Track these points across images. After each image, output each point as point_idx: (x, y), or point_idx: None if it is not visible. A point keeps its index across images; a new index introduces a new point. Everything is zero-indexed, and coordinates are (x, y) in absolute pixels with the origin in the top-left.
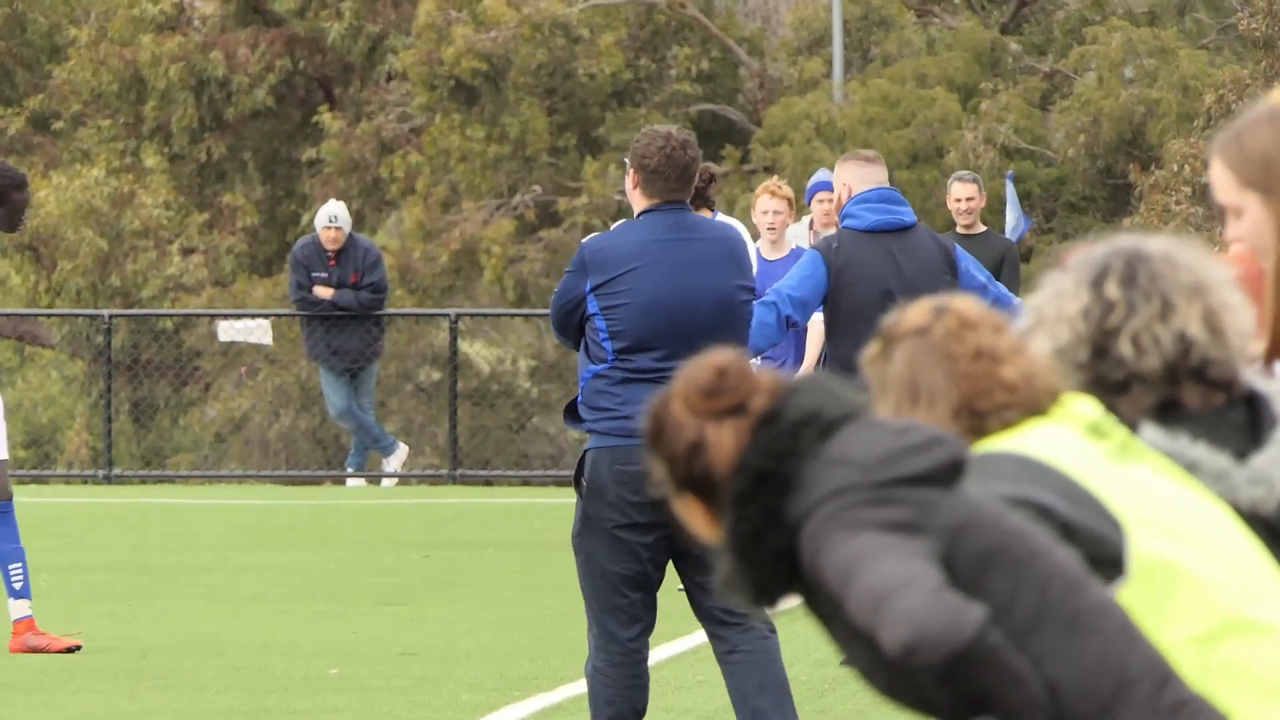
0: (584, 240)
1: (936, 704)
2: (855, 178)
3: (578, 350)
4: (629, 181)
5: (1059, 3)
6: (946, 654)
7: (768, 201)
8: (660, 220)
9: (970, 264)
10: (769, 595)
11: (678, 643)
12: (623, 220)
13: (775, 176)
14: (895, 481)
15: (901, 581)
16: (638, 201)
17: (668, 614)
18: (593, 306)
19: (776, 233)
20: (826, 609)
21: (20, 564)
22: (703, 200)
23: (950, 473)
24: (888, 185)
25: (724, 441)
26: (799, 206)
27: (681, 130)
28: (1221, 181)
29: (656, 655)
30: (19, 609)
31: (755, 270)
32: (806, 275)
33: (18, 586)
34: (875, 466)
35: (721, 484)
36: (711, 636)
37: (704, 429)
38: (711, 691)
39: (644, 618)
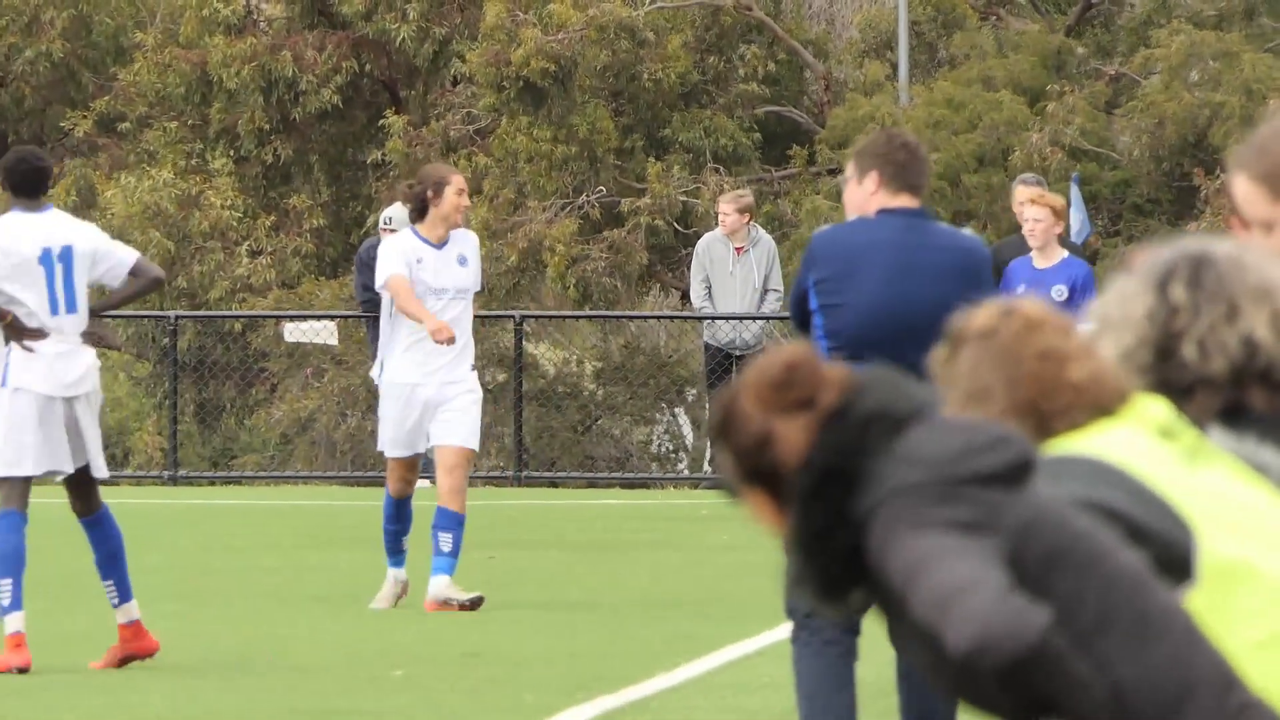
0: (814, 232)
1: (999, 705)
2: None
3: None
4: (864, 182)
5: (1124, 5)
6: (1011, 658)
7: (1031, 210)
8: (896, 222)
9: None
10: (835, 592)
11: (743, 644)
12: (858, 217)
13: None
14: (963, 480)
15: (967, 583)
16: (874, 202)
17: (733, 616)
18: (813, 302)
19: (1040, 239)
20: (892, 608)
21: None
22: None
23: (1018, 472)
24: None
25: (792, 436)
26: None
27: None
28: (1250, 196)
29: (722, 657)
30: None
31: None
32: None
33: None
34: (943, 465)
35: (789, 478)
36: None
37: (772, 422)
38: (776, 694)
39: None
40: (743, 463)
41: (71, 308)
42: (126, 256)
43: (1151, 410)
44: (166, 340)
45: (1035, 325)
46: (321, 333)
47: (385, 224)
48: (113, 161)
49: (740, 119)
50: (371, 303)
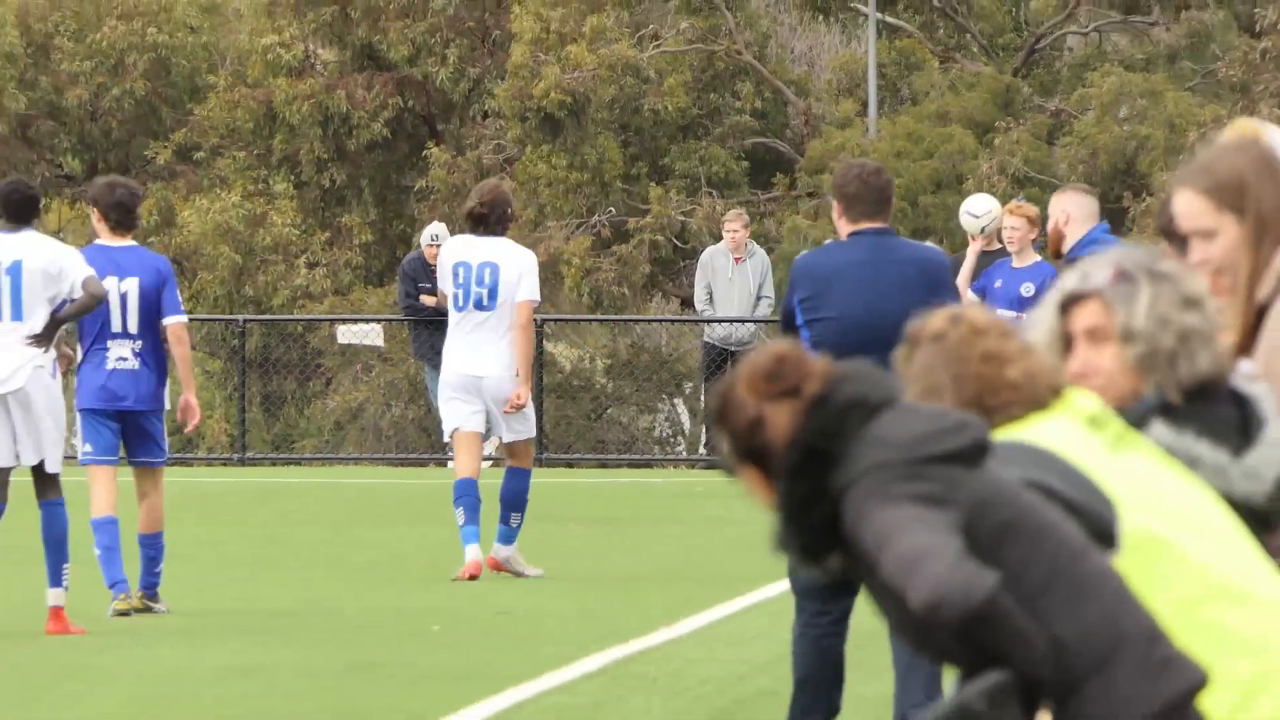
0: (796, 257)
1: (956, 656)
2: (1074, 205)
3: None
4: (834, 211)
5: (1063, 50)
6: (962, 614)
7: (1009, 219)
8: (863, 244)
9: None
10: (814, 555)
11: (733, 603)
12: (831, 240)
13: (1016, 199)
14: (927, 460)
15: (927, 549)
16: (843, 227)
17: (725, 579)
18: (799, 319)
19: (1017, 244)
20: (864, 570)
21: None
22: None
23: (975, 454)
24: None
25: (780, 420)
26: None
27: (873, 160)
28: (1194, 209)
29: (715, 614)
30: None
31: (1001, 278)
32: None
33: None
34: (910, 446)
35: (776, 457)
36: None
37: (763, 408)
38: (765, 645)
39: (832, 599)
40: (737, 443)
41: (16, 316)
42: (77, 271)
43: (1081, 403)
44: (236, 341)
45: (979, 331)
46: (370, 334)
47: (432, 241)
48: (189, 186)
49: (731, 149)
50: (412, 308)
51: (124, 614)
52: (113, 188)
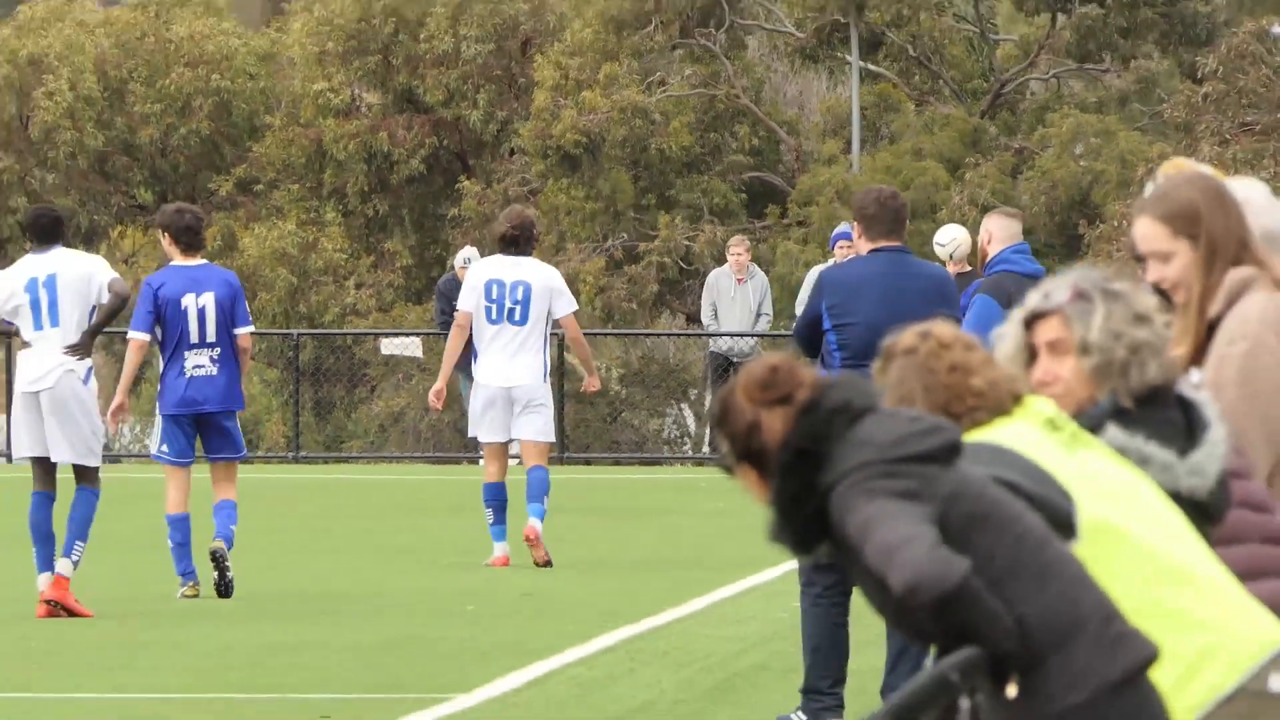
0: (821, 269)
1: (932, 635)
2: (996, 226)
3: (814, 360)
4: (854, 231)
5: (1026, 94)
6: (937, 595)
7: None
8: (885, 259)
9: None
10: (805, 545)
11: (733, 586)
12: (854, 255)
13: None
14: (904, 459)
15: (905, 538)
16: (863, 246)
17: (726, 565)
18: (826, 323)
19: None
20: (850, 557)
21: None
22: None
23: (948, 453)
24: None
25: (774, 424)
26: (825, 252)
27: (889, 186)
28: (1152, 234)
29: (718, 595)
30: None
31: None
32: (991, 317)
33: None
34: (889, 447)
35: (771, 457)
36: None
37: (759, 413)
38: (760, 623)
39: (837, 581)
40: (735, 445)
41: (54, 323)
42: (104, 274)
43: (1039, 408)
44: (291, 352)
45: (946, 345)
46: (410, 346)
47: (465, 263)
48: (249, 215)
49: (730, 182)
50: (447, 323)
51: (193, 595)
52: (180, 213)
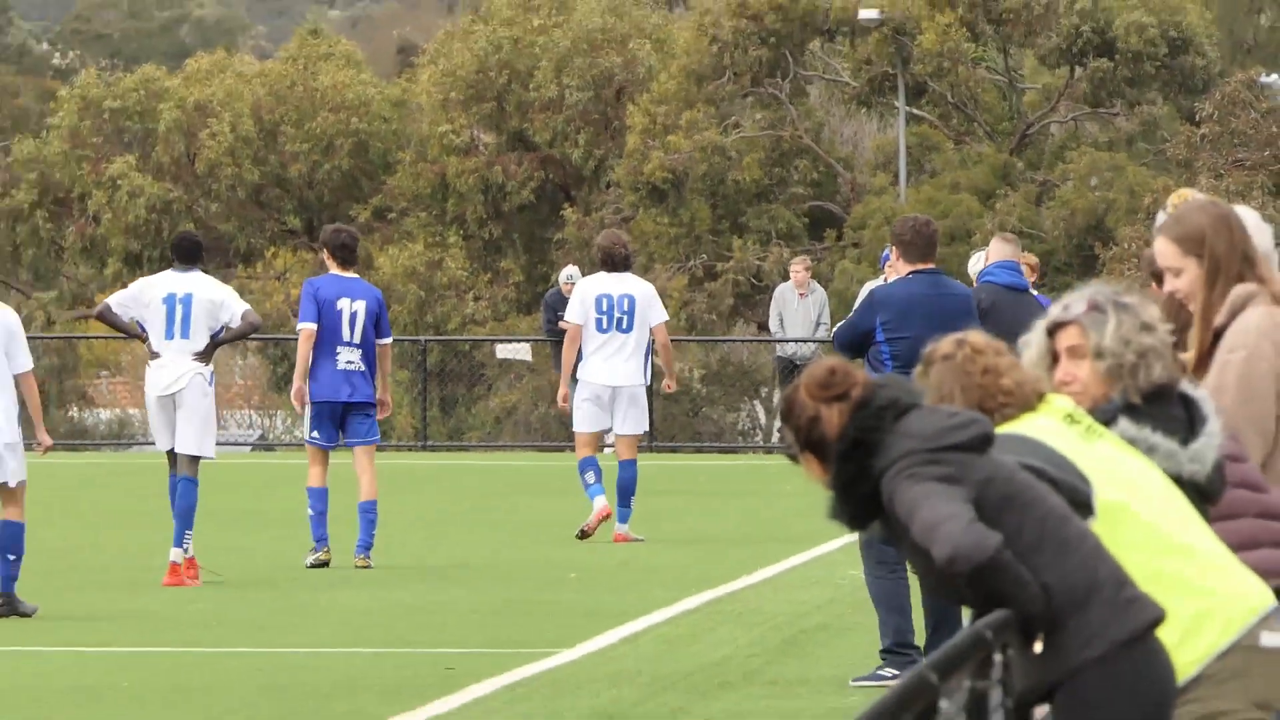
0: (873, 287)
1: (970, 599)
2: (994, 249)
3: (852, 359)
4: (892, 255)
5: (1048, 135)
6: (973, 565)
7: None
8: (925, 280)
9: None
10: (859, 522)
11: (800, 557)
12: (899, 276)
13: (1025, 251)
14: (944, 448)
15: (946, 516)
16: (900, 269)
17: (795, 539)
18: (879, 335)
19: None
20: (898, 533)
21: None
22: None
23: (982, 443)
24: (1017, 260)
25: (832, 418)
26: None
27: (923, 215)
28: (1166, 252)
29: (786, 565)
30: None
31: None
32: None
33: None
34: (931, 438)
35: (829, 446)
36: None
37: (819, 409)
38: (821, 589)
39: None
40: (799, 436)
41: (184, 335)
42: (237, 306)
43: (1059, 404)
44: (419, 356)
45: (979, 351)
46: (521, 351)
47: (568, 280)
48: (383, 238)
49: (794, 210)
50: (553, 331)
51: (320, 565)
52: (337, 233)
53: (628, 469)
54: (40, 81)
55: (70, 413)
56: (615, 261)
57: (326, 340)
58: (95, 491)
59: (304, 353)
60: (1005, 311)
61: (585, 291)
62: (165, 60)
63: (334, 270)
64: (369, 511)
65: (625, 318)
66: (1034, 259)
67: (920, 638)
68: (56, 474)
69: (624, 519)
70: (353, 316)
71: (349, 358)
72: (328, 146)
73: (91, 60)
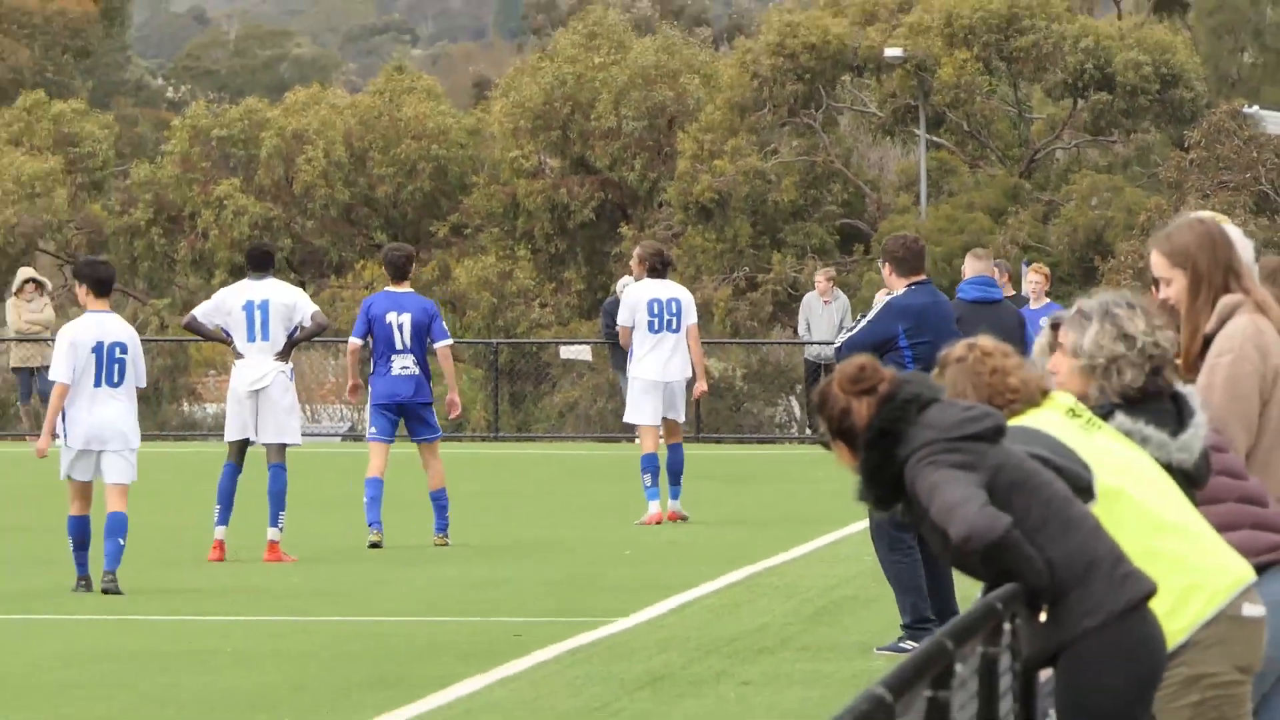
0: (890, 298)
1: (981, 574)
2: (967, 264)
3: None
4: (885, 270)
5: (1054, 159)
6: (986, 543)
7: (1032, 275)
8: (925, 290)
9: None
10: (884, 504)
11: (833, 534)
12: (899, 291)
13: (1037, 263)
14: (961, 439)
15: (961, 500)
16: (895, 283)
17: (827, 519)
18: (903, 341)
19: (1035, 293)
20: (919, 514)
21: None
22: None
23: (994, 434)
24: (989, 274)
25: (861, 410)
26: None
27: (911, 233)
28: (1158, 263)
29: (821, 542)
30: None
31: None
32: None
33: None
34: (949, 429)
35: (858, 435)
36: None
37: (850, 401)
38: (850, 564)
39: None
40: (831, 426)
41: (265, 337)
42: (308, 307)
43: (1062, 400)
44: (491, 356)
45: (989, 353)
46: (582, 352)
47: (623, 289)
48: (460, 252)
49: (826, 227)
50: (610, 335)
51: (375, 546)
52: (389, 253)
53: (676, 452)
54: (156, 113)
55: (181, 407)
56: (662, 267)
57: (382, 350)
58: (203, 479)
59: (350, 363)
60: (974, 323)
61: (636, 297)
62: (266, 93)
63: (389, 287)
64: (439, 499)
65: (673, 319)
66: (1045, 269)
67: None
68: (169, 463)
69: (675, 495)
70: (400, 327)
71: (403, 363)
72: (411, 170)
73: (201, 93)
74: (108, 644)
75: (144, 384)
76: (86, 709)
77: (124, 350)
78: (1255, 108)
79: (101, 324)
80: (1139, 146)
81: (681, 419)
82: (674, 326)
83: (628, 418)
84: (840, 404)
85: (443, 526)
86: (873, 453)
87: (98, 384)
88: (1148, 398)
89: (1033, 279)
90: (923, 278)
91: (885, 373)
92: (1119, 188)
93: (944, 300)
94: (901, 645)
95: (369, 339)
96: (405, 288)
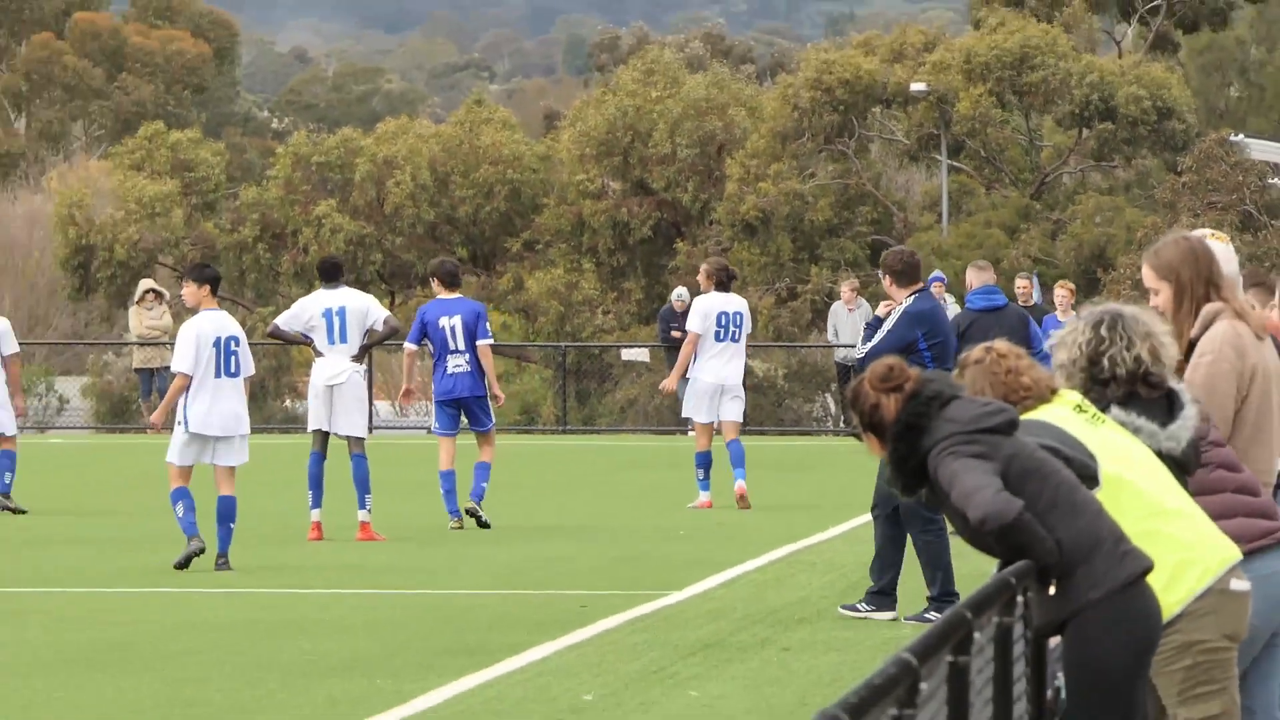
0: (905, 306)
1: (997, 552)
2: (973, 276)
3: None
4: (885, 282)
5: (1060, 182)
6: (1000, 525)
7: (1059, 290)
8: (928, 298)
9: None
10: (910, 489)
11: (863, 516)
12: (907, 301)
13: (1065, 279)
14: (979, 431)
15: (978, 486)
16: (896, 293)
17: (862, 503)
18: (923, 344)
19: (1061, 305)
20: (941, 498)
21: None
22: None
23: (1009, 427)
24: (992, 283)
25: (889, 405)
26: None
27: (907, 247)
28: (1147, 275)
29: (853, 524)
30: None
31: (1052, 328)
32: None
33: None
34: (968, 423)
35: (887, 428)
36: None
37: (879, 398)
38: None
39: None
40: (863, 419)
41: (343, 340)
42: (379, 313)
43: (1070, 397)
44: (560, 358)
45: (1004, 355)
46: (640, 355)
47: (678, 299)
48: (531, 264)
49: (858, 243)
50: (666, 339)
51: (458, 528)
52: (441, 264)
53: (736, 445)
54: (262, 141)
55: (284, 403)
56: (727, 280)
57: (439, 352)
58: (304, 468)
59: (406, 367)
60: (985, 329)
61: (706, 308)
62: (360, 124)
63: (440, 294)
64: (483, 469)
65: (736, 330)
66: (1071, 285)
67: (960, 586)
68: (273, 454)
69: (740, 477)
70: (453, 329)
71: (457, 362)
72: (488, 192)
73: (302, 124)
74: (220, 615)
75: (253, 373)
76: (201, 673)
77: (237, 344)
78: (1241, 136)
79: (218, 320)
80: (1138, 171)
81: (739, 419)
82: (735, 337)
83: (685, 413)
84: (870, 400)
85: (479, 495)
86: (899, 444)
87: (218, 375)
88: (1142, 393)
89: (1059, 294)
90: (921, 286)
91: (911, 372)
92: (1119, 208)
93: (942, 307)
94: (926, 615)
95: (425, 343)
96: (455, 294)
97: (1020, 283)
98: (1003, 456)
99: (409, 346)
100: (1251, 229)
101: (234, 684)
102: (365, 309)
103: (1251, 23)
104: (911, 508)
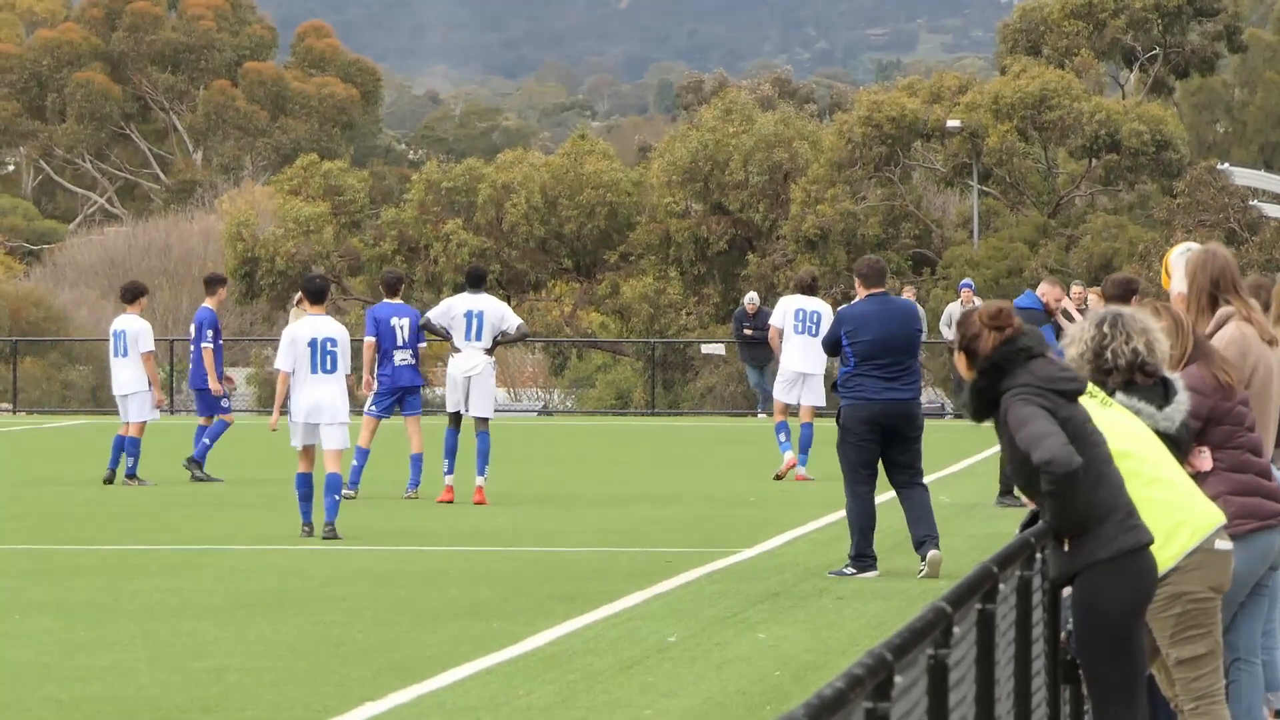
0: (840, 309)
1: (1038, 490)
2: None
3: (833, 357)
4: (858, 284)
5: (1074, 204)
6: (1062, 471)
7: (1091, 296)
8: (877, 300)
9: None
10: (977, 417)
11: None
12: (859, 299)
13: (1095, 287)
14: (1050, 390)
15: (1048, 432)
16: (861, 292)
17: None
18: (845, 341)
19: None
20: (1006, 436)
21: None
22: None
23: (1074, 395)
24: (1040, 295)
25: (988, 340)
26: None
27: (876, 256)
28: (1166, 278)
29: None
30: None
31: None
32: None
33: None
34: (1044, 381)
35: (979, 357)
36: (896, 487)
37: (983, 330)
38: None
39: (870, 481)
40: (963, 341)
41: (478, 338)
42: (513, 319)
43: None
44: (649, 351)
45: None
46: (717, 349)
47: (749, 302)
48: (626, 273)
49: (903, 255)
50: (740, 336)
51: (351, 498)
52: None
53: (808, 429)
54: (399, 169)
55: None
56: (811, 287)
57: (386, 348)
58: (439, 444)
59: (366, 358)
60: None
61: (785, 307)
62: (482, 155)
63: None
64: (418, 461)
65: (814, 326)
66: (1097, 289)
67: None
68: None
69: (803, 462)
70: (401, 328)
71: (403, 356)
72: (590, 212)
73: (433, 155)
74: (361, 567)
75: (350, 371)
76: (346, 617)
77: (334, 344)
78: (1226, 165)
79: (315, 324)
80: (1139, 194)
81: (817, 404)
82: (815, 331)
83: (774, 394)
84: (975, 329)
85: (416, 484)
86: (983, 377)
87: (314, 370)
88: (1141, 381)
89: (1090, 299)
90: (881, 290)
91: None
92: (1123, 225)
93: (896, 306)
94: (845, 570)
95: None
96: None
97: (1074, 289)
98: (1060, 417)
99: (369, 340)
100: (1235, 244)
101: (373, 626)
102: (501, 314)
103: (1235, 69)
104: (851, 477)
